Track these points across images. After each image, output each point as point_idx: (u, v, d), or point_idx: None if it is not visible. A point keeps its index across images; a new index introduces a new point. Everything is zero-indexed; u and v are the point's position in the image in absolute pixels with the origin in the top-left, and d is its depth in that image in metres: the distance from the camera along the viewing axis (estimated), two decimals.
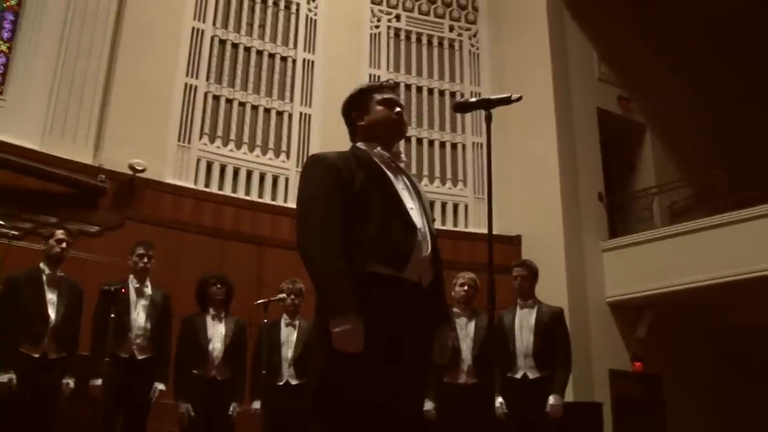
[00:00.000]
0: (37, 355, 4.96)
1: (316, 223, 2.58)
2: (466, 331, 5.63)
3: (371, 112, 2.88)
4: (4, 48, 8.25)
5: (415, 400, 2.76)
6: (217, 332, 5.65)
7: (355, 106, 2.92)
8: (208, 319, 5.69)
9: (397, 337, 2.55)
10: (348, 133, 2.98)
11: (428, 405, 5.22)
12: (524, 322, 5.57)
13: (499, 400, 5.40)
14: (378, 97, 2.90)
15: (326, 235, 2.54)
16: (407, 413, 2.63)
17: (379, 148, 2.82)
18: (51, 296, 5.12)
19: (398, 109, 2.90)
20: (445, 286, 2.92)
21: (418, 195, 2.84)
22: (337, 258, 2.50)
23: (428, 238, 2.73)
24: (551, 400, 5.32)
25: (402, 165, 2.89)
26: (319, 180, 2.68)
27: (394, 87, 3.08)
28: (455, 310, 5.61)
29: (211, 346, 5.58)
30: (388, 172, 2.78)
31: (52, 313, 5.07)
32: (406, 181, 2.84)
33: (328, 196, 2.61)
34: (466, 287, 5.71)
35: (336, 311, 2.46)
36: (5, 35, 8.28)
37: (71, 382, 5.09)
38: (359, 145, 2.87)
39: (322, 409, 2.54)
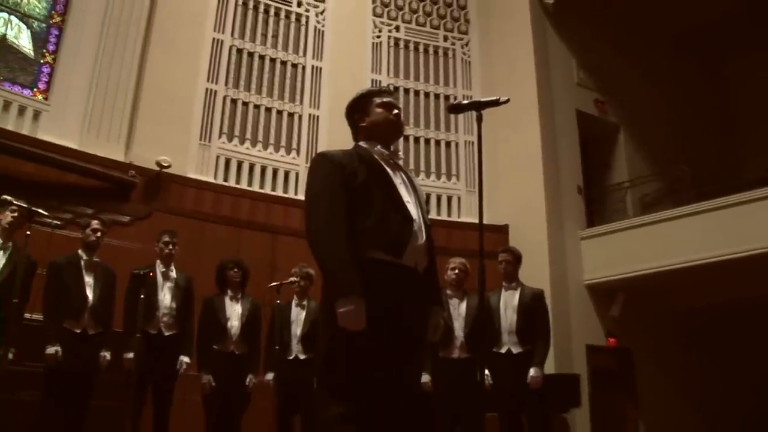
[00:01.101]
0: (78, 331, 5.00)
1: (323, 215, 2.59)
2: (458, 311, 5.63)
3: (372, 114, 2.87)
4: (49, 59, 8.27)
5: (413, 373, 2.76)
6: (234, 312, 5.67)
7: (357, 109, 2.92)
8: (227, 300, 5.71)
9: (395, 316, 2.56)
10: (351, 133, 2.98)
11: (425, 378, 5.23)
12: (508, 303, 5.57)
13: (485, 372, 5.40)
14: (378, 100, 2.89)
15: (331, 225, 2.55)
16: (406, 386, 2.64)
17: (379, 147, 2.83)
18: (88, 279, 5.15)
19: (396, 111, 2.90)
20: (438, 271, 2.92)
21: (414, 189, 2.84)
22: (342, 246, 2.52)
23: (423, 228, 2.74)
24: (532, 372, 5.34)
25: (400, 162, 2.89)
26: (325, 175, 2.68)
27: (392, 92, 3.07)
28: (448, 292, 5.62)
29: (229, 324, 5.60)
30: (387, 169, 2.78)
31: (89, 293, 5.11)
32: (404, 176, 2.84)
33: (334, 190, 2.62)
34: (456, 271, 5.72)
35: (340, 293, 2.47)
36: (51, 48, 8.31)
37: (107, 355, 5.13)
38: (361, 143, 2.87)
39: (327, 382, 2.55)
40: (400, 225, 2.65)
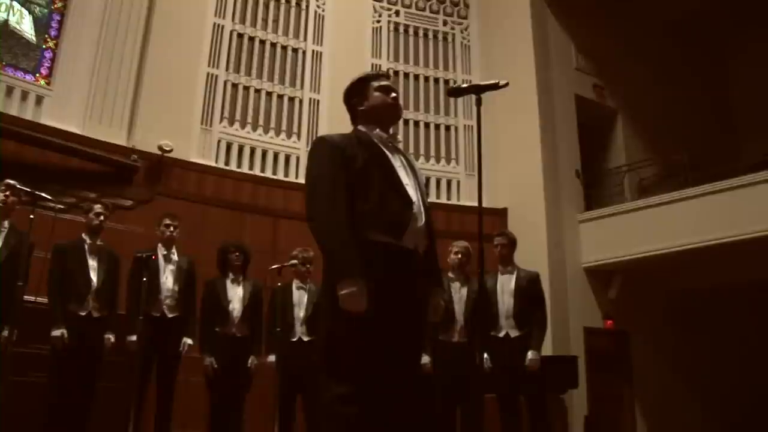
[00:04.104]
0: (83, 314, 5.02)
1: (324, 197, 2.58)
2: (459, 294, 5.63)
3: (370, 98, 2.85)
4: (51, 45, 8.25)
5: (414, 354, 2.76)
6: (236, 294, 5.68)
7: (355, 93, 2.90)
8: (228, 283, 5.71)
9: (396, 298, 2.55)
10: (349, 117, 2.96)
11: (425, 359, 5.23)
12: (505, 287, 5.56)
13: (484, 356, 5.41)
14: (375, 84, 2.87)
15: (332, 208, 2.54)
16: (406, 367, 2.64)
17: (377, 130, 2.82)
18: (92, 263, 5.16)
19: (394, 94, 2.88)
20: (437, 253, 2.91)
21: (413, 172, 2.83)
22: (343, 228, 2.51)
23: (422, 210, 2.73)
24: (530, 355, 5.34)
25: (399, 145, 2.89)
26: (325, 158, 2.67)
27: (389, 75, 3.05)
28: (450, 275, 5.62)
29: (230, 307, 5.61)
30: (386, 151, 2.77)
31: (93, 277, 5.12)
32: (403, 159, 2.83)
33: (334, 173, 2.61)
34: (459, 255, 5.70)
35: (342, 275, 2.46)
36: (53, 33, 8.28)
37: (112, 338, 5.14)
38: (360, 127, 2.86)
39: (329, 364, 2.54)
40: (399, 207, 2.64)
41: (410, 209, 2.66)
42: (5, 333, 4.47)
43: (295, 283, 5.89)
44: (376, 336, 2.49)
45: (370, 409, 2.49)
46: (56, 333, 4.84)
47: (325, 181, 2.61)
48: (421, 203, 2.73)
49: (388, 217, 2.60)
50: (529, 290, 5.53)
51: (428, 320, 2.82)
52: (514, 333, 5.45)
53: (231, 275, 5.75)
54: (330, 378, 2.51)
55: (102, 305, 5.10)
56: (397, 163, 2.76)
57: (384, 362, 2.52)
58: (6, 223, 4.89)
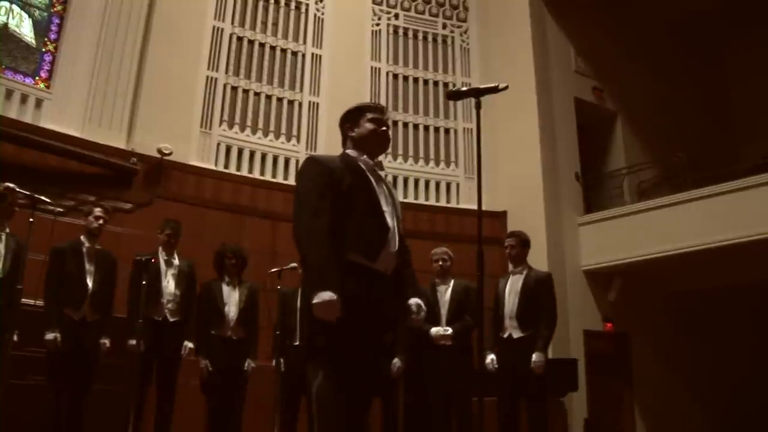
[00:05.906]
0: (77, 318, 4.99)
1: (309, 212, 2.75)
2: (445, 298, 5.65)
3: (361, 127, 3.02)
4: (51, 48, 8.25)
5: (382, 361, 3.03)
6: (232, 297, 5.67)
7: (349, 119, 3.07)
8: (224, 286, 5.70)
9: (364, 308, 2.73)
10: (341, 140, 3.11)
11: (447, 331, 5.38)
12: (513, 287, 5.52)
13: (491, 356, 5.40)
14: (369, 115, 3.03)
15: (316, 223, 2.71)
16: (374, 373, 2.89)
17: (365, 157, 2.98)
18: (89, 267, 5.15)
19: (384, 128, 3.03)
20: (411, 269, 3.03)
21: (392, 199, 3.00)
22: (324, 243, 2.68)
23: (396, 236, 2.90)
24: (534, 357, 5.25)
25: (382, 174, 3.03)
26: (314, 176, 2.84)
27: (384, 109, 3.19)
28: (436, 280, 5.77)
29: (226, 310, 5.60)
30: (371, 178, 2.93)
31: (89, 281, 5.09)
32: (384, 187, 2.99)
33: (320, 191, 2.78)
34: (440, 262, 5.84)
35: (318, 286, 2.62)
36: (52, 36, 8.29)
37: (107, 342, 5.12)
38: (348, 152, 3.02)
39: (312, 365, 2.75)
40: (377, 233, 2.83)
41: (386, 236, 2.85)
42: (7, 335, 4.48)
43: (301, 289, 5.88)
44: (348, 342, 2.68)
45: (349, 393, 2.72)
46: (50, 336, 4.81)
47: (312, 198, 2.78)
48: (396, 230, 2.91)
49: (366, 240, 2.80)
50: (536, 291, 5.45)
51: (409, 323, 3.00)
52: (517, 334, 5.38)
53: (227, 278, 5.75)
54: (313, 378, 2.71)
55: (97, 309, 5.09)
56: (378, 189, 2.94)
57: (357, 366, 2.72)
58: (7, 228, 4.89)
